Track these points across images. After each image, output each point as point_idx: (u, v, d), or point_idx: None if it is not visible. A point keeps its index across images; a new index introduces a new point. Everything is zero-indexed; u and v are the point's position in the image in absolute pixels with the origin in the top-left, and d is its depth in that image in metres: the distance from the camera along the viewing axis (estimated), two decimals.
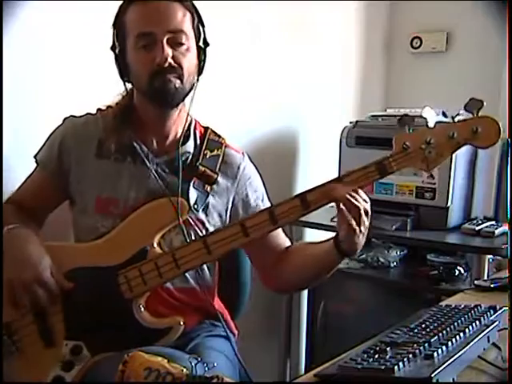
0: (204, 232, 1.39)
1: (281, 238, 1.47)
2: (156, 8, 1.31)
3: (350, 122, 2.39)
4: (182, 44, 1.32)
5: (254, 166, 1.52)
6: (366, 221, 1.24)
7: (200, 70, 1.39)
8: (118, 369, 0.97)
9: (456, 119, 1.25)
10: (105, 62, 1.56)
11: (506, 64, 2.44)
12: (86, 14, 1.69)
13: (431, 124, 1.27)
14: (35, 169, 1.46)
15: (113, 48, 1.37)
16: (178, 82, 1.32)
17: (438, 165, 1.26)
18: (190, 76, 1.35)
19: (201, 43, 1.37)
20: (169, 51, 1.30)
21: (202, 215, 1.39)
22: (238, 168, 1.47)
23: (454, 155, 2.04)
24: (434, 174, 2.11)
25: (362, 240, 1.27)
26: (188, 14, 1.34)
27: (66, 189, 1.43)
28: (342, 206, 1.22)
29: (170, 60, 1.30)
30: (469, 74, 2.67)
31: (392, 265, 2.21)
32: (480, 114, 1.23)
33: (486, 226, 2.09)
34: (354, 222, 1.22)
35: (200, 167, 1.40)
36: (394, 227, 2.15)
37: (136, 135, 1.39)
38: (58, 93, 1.66)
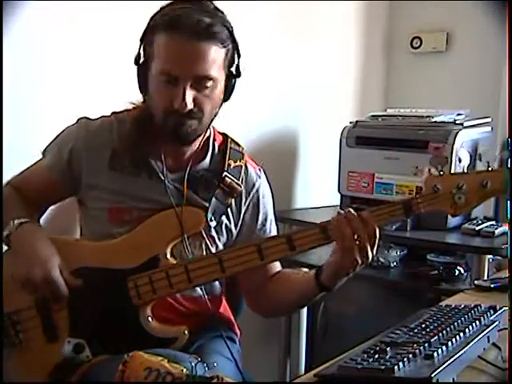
0: (214, 248, 1.38)
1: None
2: (186, 49, 1.22)
3: (350, 122, 2.39)
4: (207, 86, 1.25)
5: (269, 183, 1.49)
6: (359, 266, 1.22)
7: (227, 97, 1.34)
8: (118, 369, 0.97)
9: (490, 168, 1.23)
10: (105, 63, 1.56)
11: (506, 64, 2.44)
12: (86, 14, 1.69)
13: (464, 167, 1.24)
14: (39, 161, 1.42)
15: (137, 61, 1.30)
16: (195, 123, 1.28)
17: (466, 211, 1.24)
18: (212, 113, 1.31)
19: (233, 69, 1.31)
20: (190, 98, 1.23)
21: (213, 232, 1.38)
22: (253, 186, 1.44)
23: (453, 154, 2.08)
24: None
25: (344, 278, 1.27)
26: (221, 51, 1.25)
27: (74, 190, 1.40)
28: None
29: (190, 106, 1.24)
30: (469, 74, 2.67)
31: (392, 265, 2.20)
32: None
33: (486, 226, 2.09)
34: (350, 259, 1.21)
35: (226, 178, 1.37)
36: (393, 227, 2.15)
37: (152, 149, 1.35)
38: (57, 93, 1.66)
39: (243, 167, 1.42)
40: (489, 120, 2.31)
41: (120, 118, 1.38)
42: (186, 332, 1.26)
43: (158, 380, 0.94)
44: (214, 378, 0.95)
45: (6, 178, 1.46)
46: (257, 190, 1.44)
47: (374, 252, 1.22)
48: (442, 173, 1.24)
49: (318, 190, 2.60)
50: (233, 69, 1.32)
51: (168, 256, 1.28)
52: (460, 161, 1.20)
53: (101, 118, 1.40)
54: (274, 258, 1.27)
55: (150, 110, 1.33)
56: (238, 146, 1.45)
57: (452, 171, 2.06)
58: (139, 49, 1.30)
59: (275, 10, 2.32)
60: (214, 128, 1.44)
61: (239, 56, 1.32)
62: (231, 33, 1.28)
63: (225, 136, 1.46)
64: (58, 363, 1.24)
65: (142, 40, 1.30)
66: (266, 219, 1.46)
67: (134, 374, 0.96)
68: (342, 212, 1.23)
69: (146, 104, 1.34)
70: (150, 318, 1.27)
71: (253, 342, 2.31)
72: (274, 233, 1.48)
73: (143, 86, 1.31)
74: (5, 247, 1.33)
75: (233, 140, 1.45)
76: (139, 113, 1.36)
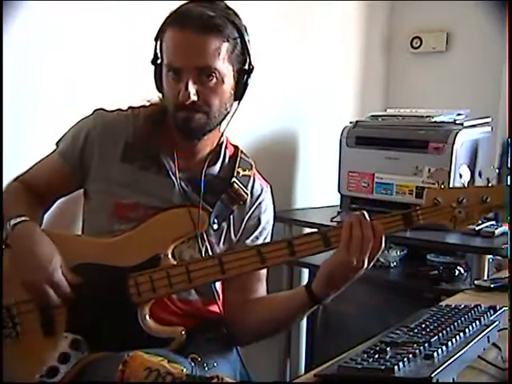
0: (211, 253, 1.37)
1: (261, 284, 1.44)
2: (187, 41, 1.25)
3: (350, 122, 2.39)
4: (211, 79, 1.27)
5: (273, 201, 1.49)
6: (353, 273, 1.22)
7: (241, 95, 1.35)
8: (117, 368, 0.97)
9: (490, 184, 1.25)
10: (104, 63, 1.56)
11: (506, 64, 2.44)
12: (86, 14, 1.68)
13: (465, 182, 1.26)
14: (52, 153, 1.43)
15: (153, 61, 1.33)
16: (204, 118, 1.29)
17: (466, 226, 1.25)
18: (222, 108, 1.31)
19: (246, 66, 1.34)
20: (192, 89, 1.25)
21: (213, 237, 1.38)
22: (258, 198, 1.44)
23: (453, 155, 2.08)
24: (433, 175, 2.11)
25: (339, 286, 1.26)
26: (225, 45, 1.27)
27: (83, 182, 1.41)
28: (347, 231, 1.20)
29: (193, 98, 1.25)
30: (469, 74, 2.68)
31: (392, 265, 2.20)
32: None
33: (486, 226, 2.09)
34: (350, 254, 1.20)
35: (234, 184, 1.38)
36: None
37: (164, 146, 1.37)
38: (56, 93, 1.66)
39: (251, 178, 1.44)
40: (489, 120, 2.31)
41: (136, 112, 1.40)
42: (184, 333, 1.26)
43: (158, 380, 0.95)
44: (213, 378, 0.96)
45: (5, 178, 1.46)
46: (260, 203, 1.45)
47: (372, 263, 1.22)
48: (442, 186, 1.26)
49: (318, 190, 2.60)
50: (245, 65, 1.34)
51: (169, 256, 1.29)
52: (461, 176, 1.22)
53: (117, 110, 1.42)
54: (274, 263, 1.27)
55: (164, 108, 1.35)
56: (248, 157, 1.47)
57: (452, 173, 2.08)
58: (155, 49, 1.32)
59: (275, 10, 2.31)
60: (227, 137, 1.45)
61: (248, 51, 1.34)
62: (238, 28, 1.30)
63: (236, 147, 1.48)
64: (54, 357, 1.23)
65: (156, 40, 1.32)
66: (261, 233, 1.45)
67: (134, 373, 0.97)
68: (355, 213, 1.23)
69: (162, 102, 1.37)
70: (147, 317, 1.26)
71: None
72: None
73: (159, 84, 1.33)
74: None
75: (243, 151, 1.47)
76: (154, 109, 1.38)
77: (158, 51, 1.32)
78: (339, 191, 2.39)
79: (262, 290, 1.44)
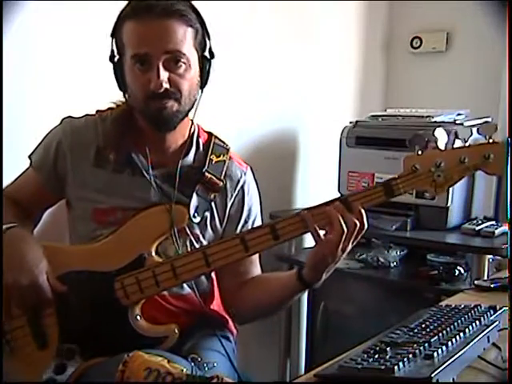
0: (199, 245, 1.37)
1: (255, 265, 1.44)
2: (152, 27, 1.24)
3: (350, 122, 2.39)
4: (180, 65, 1.26)
5: (256, 183, 1.48)
6: (339, 256, 1.21)
7: (204, 82, 1.34)
8: (117, 369, 0.97)
9: (468, 143, 1.23)
10: (100, 64, 1.55)
11: (506, 64, 2.44)
12: (84, 14, 1.69)
13: (442, 146, 1.23)
14: (29, 167, 1.43)
15: (111, 58, 1.32)
16: (176, 105, 1.28)
17: (446, 189, 1.24)
18: (191, 95, 1.30)
19: (206, 53, 1.32)
20: (164, 75, 1.24)
21: (197, 229, 1.37)
22: (238, 182, 1.43)
23: None
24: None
25: (328, 270, 1.25)
26: (189, 30, 1.27)
27: (62, 191, 1.41)
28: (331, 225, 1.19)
29: (165, 85, 1.24)
30: (469, 74, 2.68)
31: (392, 265, 2.20)
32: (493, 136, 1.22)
33: (486, 226, 2.09)
34: (334, 245, 1.19)
35: (206, 174, 1.37)
36: (393, 227, 2.15)
37: (135, 145, 1.36)
38: (53, 94, 1.66)
39: (226, 162, 1.41)
40: (489, 120, 2.31)
41: (103, 115, 1.40)
42: (177, 330, 1.26)
43: (158, 380, 0.95)
44: (213, 378, 0.96)
45: (5, 178, 1.46)
46: (241, 187, 1.43)
47: (356, 241, 1.22)
48: (419, 152, 1.23)
49: (317, 190, 2.60)
50: (206, 52, 1.32)
51: (153, 254, 1.28)
52: (437, 140, 1.20)
53: (85, 116, 1.41)
54: (258, 249, 1.26)
55: (131, 105, 1.34)
56: (223, 142, 1.45)
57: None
58: (111, 46, 1.31)
59: (275, 10, 2.32)
60: (199, 126, 1.44)
61: (209, 38, 1.33)
62: (198, 14, 1.30)
63: (210, 134, 1.46)
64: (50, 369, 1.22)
65: (112, 35, 1.31)
66: (248, 216, 1.44)
67: (134, 374, 0.97)
68: (333, 203, 1.22)
69: (127, 101, 1.35)
70: (138, 318, 1.26)
71: (253, 343, 2.31)
72: None
73: (122, 82, 1.32)
74: None
75: (217, 137, 1.45)
76: (121, 110, 1.38)
77: (115, 47, 1.31)
78: (339, 191, 2.39)
79: (255, 270, 1.45)
